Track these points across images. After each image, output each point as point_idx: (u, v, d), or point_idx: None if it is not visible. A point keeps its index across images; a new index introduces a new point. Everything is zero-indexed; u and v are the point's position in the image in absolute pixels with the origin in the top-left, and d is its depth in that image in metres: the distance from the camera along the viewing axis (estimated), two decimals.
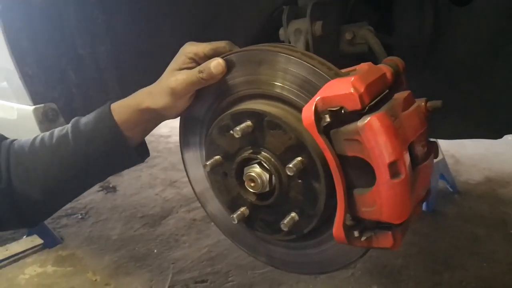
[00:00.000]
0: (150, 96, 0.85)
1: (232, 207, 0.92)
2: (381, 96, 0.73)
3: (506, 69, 1.04)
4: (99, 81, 1.31)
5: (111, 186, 3.14)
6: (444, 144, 3.18)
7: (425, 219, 2.60)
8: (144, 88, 0.87)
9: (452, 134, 1.17)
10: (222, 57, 0.83)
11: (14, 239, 2.40)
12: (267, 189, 0.82)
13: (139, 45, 1.43)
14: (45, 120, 1.19)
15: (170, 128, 4.39)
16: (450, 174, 3.02)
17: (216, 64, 0.81)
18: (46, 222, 2.51)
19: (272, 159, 0.80)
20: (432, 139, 0.81)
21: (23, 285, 2.09)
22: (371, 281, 2.08)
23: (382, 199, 0.69)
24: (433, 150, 0.80)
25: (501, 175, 3.22)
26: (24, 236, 2.41)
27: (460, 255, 2.25)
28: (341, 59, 1.05)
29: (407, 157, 0.69)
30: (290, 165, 0.75)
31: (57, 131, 0.89)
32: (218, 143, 0.88)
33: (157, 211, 2.77)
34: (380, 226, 0.73)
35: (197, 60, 0.85)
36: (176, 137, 4.20)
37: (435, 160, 2.59)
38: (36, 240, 2.36)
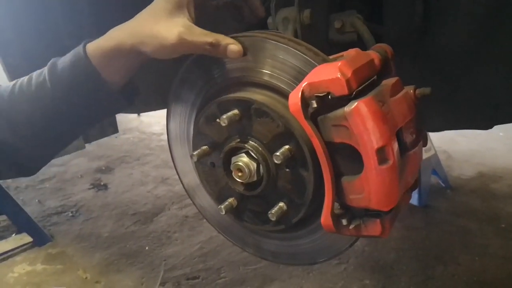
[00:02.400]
0: (136, 37, 0.75)
1: (220, 198, 0.90)
2: (369, 82, 0.72)
3: (496, 59, 1.04)
4: None
5: (102, 183, 3.11)
6: (436, 140, 3.19)
7: (417, 214, 2.60)
8: (125, 25, 0.78)
9: (443, 125, 1.17)
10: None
11: (3, 237, 2.37)
12: (255, 178, 0.81)
13: None
14: None
15: (162, 125, 4.37)
16: (442, 169, 3.02)
17: (234, 50, 0.76)
18: (35, 220, 2.48)
19: (260, 148, 0.79)
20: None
21: (12, 284, 2.06)
22: (364, 275, 2.07)
23: (370, 185, 0.68)
24: (422, 137, 0.79)
25: (493, 170, 3.23)
26: (13, 234, 2.38)
27: (452, 249, 2.25)
28: (330, 48, 1.04)
29: (395, 143, 0.68)
30: (278, 153, 0.73)
31: (35, 76, 0.82)
32: (205, 132, 0.87)
33: (149, 208, 2.75)
34: (368, 214, 0.72)
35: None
36: None
37: (427, 155, 2.59)
38: (26, 238, 2.34)
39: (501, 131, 3.91)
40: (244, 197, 0.86)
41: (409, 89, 0.79)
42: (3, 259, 2.23)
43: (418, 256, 2.21)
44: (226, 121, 0.77)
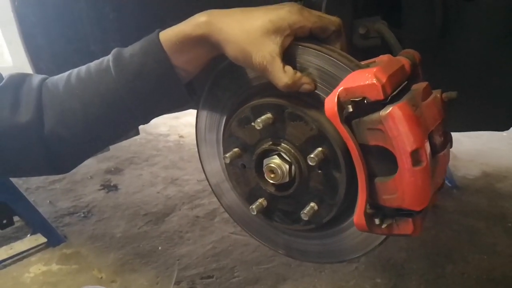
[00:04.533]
0: (221, 36, 0.74)
1: (250, 198, 0.94)
2: (401, 87, 0.75)
3: None
4: None
5: (112, 184, 3.14)
6: None
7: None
8: (213, 16, 0.75)
9: (461, 126, 1.20)
10: None
11: (18, 238, 2.40)
12: (287, 179, 0.84)
13: None
14: None
15: (169, 127, 4.40)
16: (448, 169, 3.06)
17: (307, 86, 0.77)
18: (49, 220, 2.51)
19: (292, 150, 0.82)
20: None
21: (29, 284, 2.09)
22: (375, 274, 2.10)
23: (404, 186, 0.71)
24: (449, 140, 0.82)
25: (498, 170, 3.26)
26: (28, 235, 2.41)
27: (461, 248, 2.29)
28: (354, 53, 1.08)
29: (427, 146, 0.71)
30: (312, 155, 0.77)
31: (94, 65, 0.80)
32: (237, 135, 0.90)
33: (160, 208, 2.78)
34: (400, 213, 0.75)
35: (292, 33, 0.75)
36: (175, 136, 4.22)
37: None
38: (40, 239, 2.36)
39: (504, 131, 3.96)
40: (274, 197, 0.89)
41: (437, 93, 0.82)
42: (19, 259, 2.26)
43: (428, 255, 2.24)
44: (260, 125, 0.80)
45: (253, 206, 0.89)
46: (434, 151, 0.76)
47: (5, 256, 2.22)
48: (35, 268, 2.20)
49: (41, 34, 1.12)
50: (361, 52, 1.07)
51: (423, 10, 1.08)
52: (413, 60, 0.82)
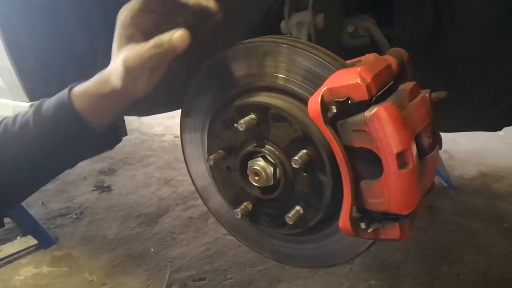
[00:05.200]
0: (109, 79, 0.76)
1: (235, 202, 0.91)
2: (387, 87, 0.72)
3: (506, 62, 1.04)
4: None
5: (105, 185, 3.11)
6: None
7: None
8: (105, 70, 0.78)
9: (453, 127, 1.17)
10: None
11: (8, 240, 2.37)
12: (272, 182, 0.82)
13: None
14: None
15: (164, 127, 4.37)
16: (444, 169, 3.03)
17: (178, 36, 0.70)
18: (40, 222, 2.48)
19: (277, 152, 0.80)
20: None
21: (18, 286, 2.06)
22: (370, 276, 2.08)
23: (390, 190, 0.68)
24: (438, 141, 0.80)
25: (495, 170, 3.24)
26: (19, 237, 2.38)
27: (457, 249, 2.26)
28: (343, 53, 1.05)
29: (414, 148, 0.69)
30: (296, 158, 0.74)
31: (20, 116, 0.83)
32: (221, 136, 0.87)
33: (153, 209, 2.75)
34: (387, 217, 0.72)
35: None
36: (170, 136, 4.19)
37: None
38: (31, 241, 2.33)
39: (501, 130, 3.94)
40: (260, 200, 0.87)
41: (425, 93, 0.80)
42: (9, 262, 2.23)
43: (424, 256, 2.21)
44: (244, 126, 0.78)
45: (238, 210, 0.87)
46: (422, 153, 0.74)
47: None
48: (25, 271, 2.17)
49: (24, 34, 1.09)
50: (351, 51, 1.05)
51: (414, 9, 1.06)
52: (401, 59, 0.80)
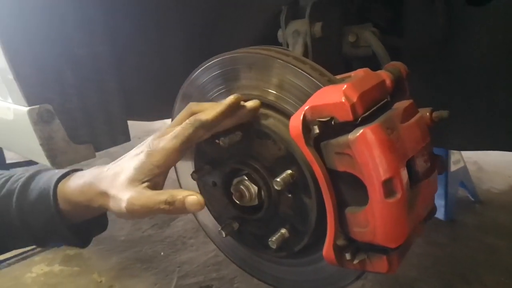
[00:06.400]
0: (102, 197, 0.70)
1: (221, 219, 0.87)
2: (378, 105, 0.66)
3: None
4: (97, 81, 1.27)
5: None
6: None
7: (442, 228, 2.48)
8: (99, 181, 0.71)
9: (467, 145, 1.08)
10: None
11: None
12: (256, 202, 0.77)
13: (141, 45, 1.39)
14: (40, 122, 1.16)
15: None
16: (471, 181, 2.88)
17: (194, 202, 0.65)
18: None
19: (261, 171, 0.75)
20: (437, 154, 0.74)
21: (29, 284, 2.09)
22: None
23: (375, 220, 0.62)
24: (438, 165, 0.73)
25: None
26: None
27: (477, 268, 2.13)
28: (346, 63, 0.99)
29: (404, 174, 0.62)
30: (278, 179, 0.69)
31: (12, 181, 0.80)
32: (206, 150, 0.83)
33: None
34: (374, 248, 0.66)
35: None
36: None
37: (455, 167, 2.45)
38: None
39: None
40: (245, 220, 0.82)
41: (425, 112, 0.73)
42: (23, 259, 2.27)
43: (441, 274, 2.10)
44: (226, 142, 0.73)
45: (222, 230, 0.82)
46: (416, 178, 0.67)
47: (9, 255, 2.24)
48: (38, 268, 2.20)
49: (21, 38, 1.08)
50: (356, 62, 0.99)
51: (424, 17, 0.98)
52: (398, 74, 0.73)
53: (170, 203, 0.65)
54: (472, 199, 2.84)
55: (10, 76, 1.13)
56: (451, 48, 0.95)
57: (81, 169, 0.80)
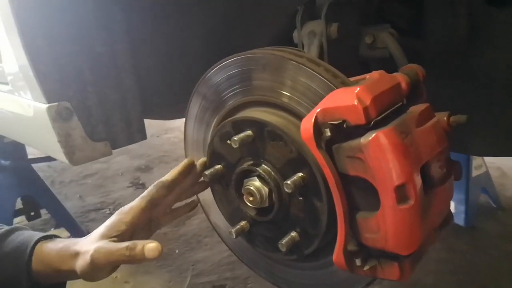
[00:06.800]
0: (74, 258, 0.73)
1: (232, 220, 0.86)
2: (393, 108, 0.64)
3: None
4: (116, 79, 1.29)
5: (140, 182, 3.17)
6: None
7: (462, 235, 2.42)
8: (75, 244, 0.75)
9: (489, 151, 1.05)
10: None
11: (43, 231, 2.46)
12: (267, 204, 0.76)
13: (159, 44, 1.40)
14: (59, 119, 1.18)
15: None
16: (493, 188, 2.81)
17: (152, 249, 0.69)
18: (74, 215, 2.56)
19: (272, 173, 0.74)
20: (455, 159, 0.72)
21: None
22: None
23: (387, 226, 0.61)
24: (454, 171, 0.70)
25: None
26: (52, 229, 2.47)
27: (498, 278, 2.07)
28: (363, 65, 0.97)
29: (418, 180, 0.60)
30: (288, 182, 0.68)
31: None
32: (219, 151, 0.83)
33: None
34: (386, 255, 0.65)
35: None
36: None
37: (477, 173, 2.38)
38: (63, 233, 2.41)
39: None
40: (256, 221, 0.81)
41: (442, 116, 0.71)
42: None
43: (459, 282, 2.05)
44: (237, 143, 0.73)
45: (233, 230, 0.82)
46: (431, 184, 0.65)
47: None
48: None
49: (42, 35, 1.10)
50: (374, 64, 0.97)
51: (446, 18, 0.96)
52: (414, 77, 0.71)
53: (131, 248, 0.69)
54: (494, 206, 2.76)
55: (31, 73, 1.15)
56: (473, 50, 0.92)
57: (60, 237, 0.83)
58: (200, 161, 0.87)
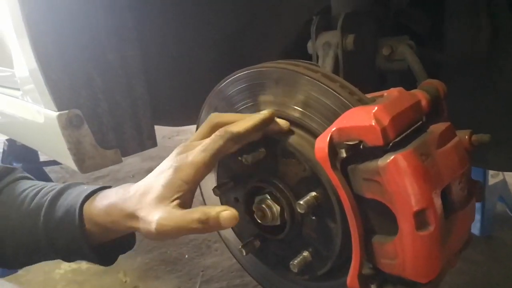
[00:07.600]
0: (130, 220, 0.67)
1: (242, 236, 0.84)
2: (413, 128, 0.61)
3: None
4: (126, 86, 1.27)
5: None
6: None
7: (478, 245, 2.36)
8: (124, 202, 0.69)
9: (509, 166, 1.01)
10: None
11: None
12: (278, 222, 0.73)
13: (170, 50, 1.39)
14: (69, 126, 1.17)
15: None
16: (510, 196, 2.74)
17: (229, 217, 0.62)
18: None
19: (285, 191, 0.71)
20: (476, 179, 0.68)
21: (57, 280, 2.14)
22: None
23: (405, 253, 0.58)
24: (476, 192, 0.67)
25: None
26: None
27: None
28: (380, 77, 0.94)
29: (439, 205, 0.57)
30: (301, 202, 0.65)
31: (41, 194, 0.79)
32: (230, 165, 0.80)
33: None
34: (403, 281, 0.62)
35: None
36: None
37: (494, 181, 2.32)
38: None
39: None
40: (267, 239, 0.79)
41: (464, 135, 0.67)
42: None
43: None
44: (249, 160, 0.70)
45: (243, 247, 0.80)
46: (452, 208, 0.62)
47: None
48: (66, 265, 2.25)
49: (52, 42, 1.09)
50: (391, 76, 0.94)
51: (467, 30, 0.92)
52: (435, 93, 0.68)
53: (203, 221, 0.61)
54: (511, 214, 2.69)
55: (41, 79, 1.14)
56: (495, 63, 0.89)
57: (110, 187, 0.78)
58: (283, 122, 0.70)
